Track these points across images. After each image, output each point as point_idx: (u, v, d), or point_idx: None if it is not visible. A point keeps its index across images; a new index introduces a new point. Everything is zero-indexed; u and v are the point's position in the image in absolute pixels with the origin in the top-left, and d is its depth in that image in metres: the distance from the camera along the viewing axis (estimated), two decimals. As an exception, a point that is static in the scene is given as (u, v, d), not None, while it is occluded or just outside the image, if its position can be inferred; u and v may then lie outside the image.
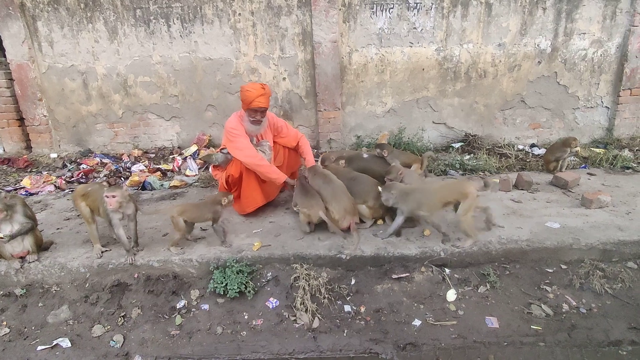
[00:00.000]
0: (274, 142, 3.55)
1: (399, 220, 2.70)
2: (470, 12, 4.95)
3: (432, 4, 4.93)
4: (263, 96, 3.14)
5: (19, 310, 2.59)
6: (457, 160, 4.33)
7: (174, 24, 5.08)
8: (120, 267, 2.67)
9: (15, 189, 4.33)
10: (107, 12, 5.06)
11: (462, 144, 5.27)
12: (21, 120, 5.47)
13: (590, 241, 2.68)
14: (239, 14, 5.04)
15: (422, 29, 5.03)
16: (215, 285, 2.53)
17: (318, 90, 5.24)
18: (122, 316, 2.54)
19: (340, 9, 4.97)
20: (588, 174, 4.09)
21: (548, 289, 2.56)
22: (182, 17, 5.06)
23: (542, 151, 5.00)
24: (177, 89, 5.38)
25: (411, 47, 5.11)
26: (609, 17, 4.98)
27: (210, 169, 3.65)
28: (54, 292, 2.67)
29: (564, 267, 2.65)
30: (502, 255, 2.65)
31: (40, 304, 2.62)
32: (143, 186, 4.12)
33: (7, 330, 2.49)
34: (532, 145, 5.29)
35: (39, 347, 2.36)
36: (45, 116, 5.43)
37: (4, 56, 5.22)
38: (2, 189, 4.37)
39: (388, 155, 3.49)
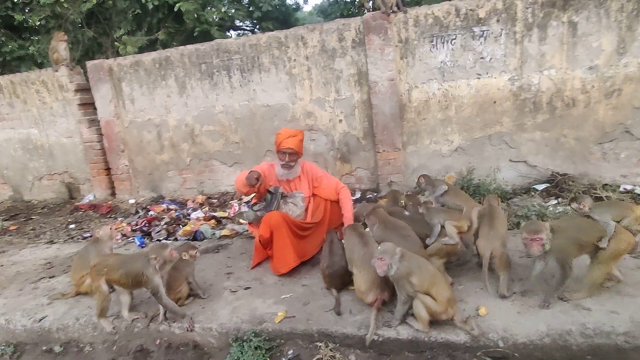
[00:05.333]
0: (314, 194, 3.32)
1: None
2: (549, 34, 4.28)
3: (502, 29, 4.38)
4: (292, 138, 3.07)
5: (55, 369, 2.65)
6: (534, 209, 3.57)
7: (234, 74, 5.29)
8: (145, 332, 2.61)
9: (92, 235, 4.71)
10: (177, 69, 5.47)
11: (548, 185, 4.46)
12: (108, 169, 6.09)
13: None
14: (294, 59, 5.06)
15: (491, 58, 4.49)
16: (231, 362, 2.31)
17: (376, 130, 4.94)
18: (141, 386, 2.44)
19: (396, 46, 4.69)
20: None
21: (662, 407, 1.82)
22: (242, 67, 5.25)
23: (659, 193, 3.98)
24: (238, 136, 5.54)
25: (479, 78, 4.57)
26: None
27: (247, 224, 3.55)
28: (86, 352, 2.69)
29: (686, 376, 1.89)
30: (587, 352, 1.98)
31: (74, 364, 2.66)
32: (194, 236, 4.16)
33: (42, 389, 2.54)
34: (646, 185, 4.25)
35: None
36: (126, 165, 5.98)
37: (96, 114, 5.92)
38: (84, 236, 4.80)
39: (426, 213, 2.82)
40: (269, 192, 3.09)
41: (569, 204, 2.65)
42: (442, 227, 2.62)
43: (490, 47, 4.46)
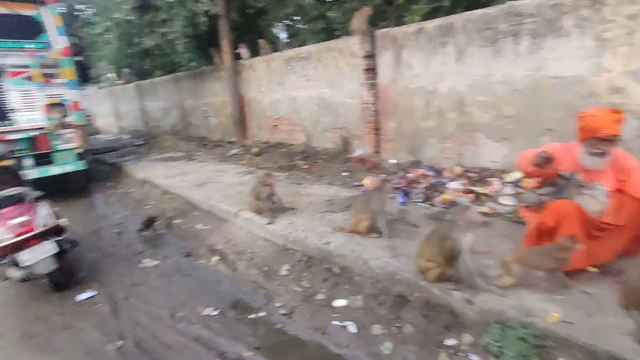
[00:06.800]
0: (620, 189, 2.69)
1: None
2: None
3: None
4: (616, 122, 2.51)
5: (332, 286, 3.29)
6: None
7: (523, 41, 4.74)
8: (405, 281, 2.85)
9: (359, 185, 5.47)
10: (458, 36, 5.36)
11: None
12: (377, 130, 6.79)
13: None
14: (611, 20, 4.07)
15: None
16: (489, 341, 2.25)
17: None
18: (397, 327, 2.72)
19: None
20: None
21: None
22: (533, 32, 4.63)
23: None
24: (512, 109, 5.04)
25: None
26: None
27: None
28: (356, 280, 3.20)
29: None
30: None
31: (346, 286, 3.21)
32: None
33: (322, 296, 3.21)
34: None
35: (334, 322, 2.90)
36: (394, 128, 6.50)
37: (375, 79, 6.59)
38: (353, 184, 5.63)
39: None
40: (562, 177, 2.69)
41: None
42: None
43: None
